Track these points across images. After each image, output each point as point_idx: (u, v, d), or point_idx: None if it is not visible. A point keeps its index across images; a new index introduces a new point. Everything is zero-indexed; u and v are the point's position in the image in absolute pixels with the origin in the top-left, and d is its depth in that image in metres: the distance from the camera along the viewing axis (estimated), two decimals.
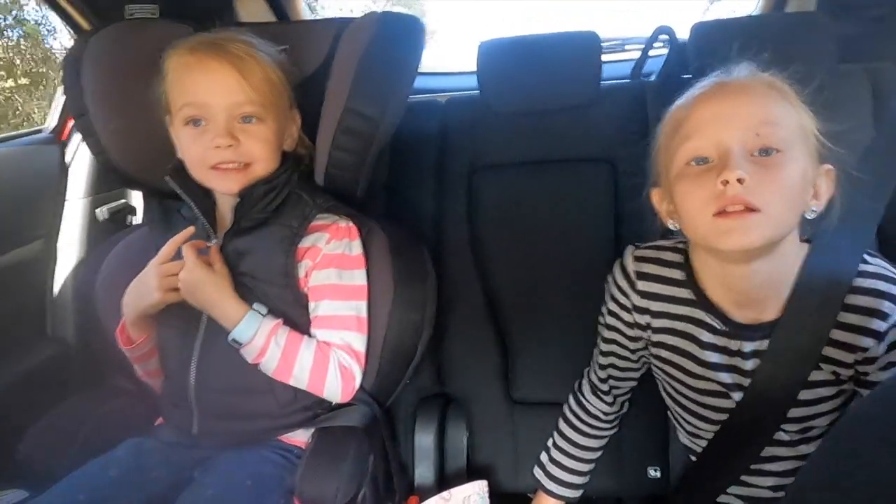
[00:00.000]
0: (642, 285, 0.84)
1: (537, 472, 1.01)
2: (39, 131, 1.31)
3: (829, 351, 0.73)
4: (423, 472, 1.09)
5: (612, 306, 0.89)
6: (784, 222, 0.68)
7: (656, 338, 0.85)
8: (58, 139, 1.29)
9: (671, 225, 0.78)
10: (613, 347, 0.91)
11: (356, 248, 0.91)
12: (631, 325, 0.87)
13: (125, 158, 1.01)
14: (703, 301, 0.79)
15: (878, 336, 0.70)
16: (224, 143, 0.84)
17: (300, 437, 0.91)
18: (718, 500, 0.86)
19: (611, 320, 0.90)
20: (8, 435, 0.97)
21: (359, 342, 0.89)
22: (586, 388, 0.99)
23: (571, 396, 1.01)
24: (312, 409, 0.91)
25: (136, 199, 1.40)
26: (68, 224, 1.28)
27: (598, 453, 1.00)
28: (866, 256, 0.74)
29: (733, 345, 0.77)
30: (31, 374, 1.15)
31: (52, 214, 1.26)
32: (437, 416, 1.12)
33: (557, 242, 1.18)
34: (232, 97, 0.84)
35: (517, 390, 1.16)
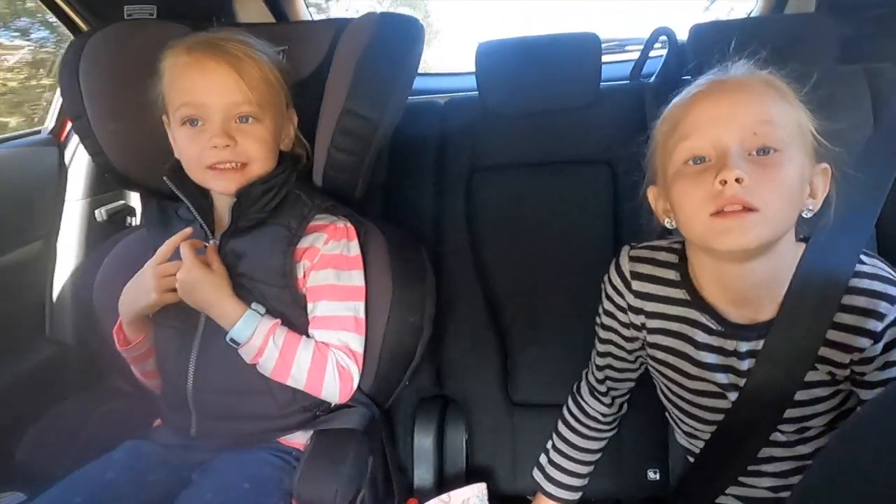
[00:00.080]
0: (637, 285, 0.84)
1: (536, 474, 1.01)
2: (38, 132, 1.31)
3: (825, 351, 0.73)
4: (423, 473, 1.09)
5: (608, 306, 0.88)
6: (782, 222, 0.68)
7: (651, 338, 0.84)
8: (56, 140, 1.29)
9: (667, 223, 0.78)
10: (610, 348, 0.91)
11: (354, 248, 0.91)
12: (627, 326, 0.87)
13: (123, 159, 1.01)
14: (697, 301, 0.78)
15: (874, 336, 0.70)
16: (221, 143, 0.84)
17: (299, 439, 0.91)
18: (717, 501, 0.86)
19: (607, 320, 0.89)
20: (6, 437, 0.97)
21: (357, 343, 0.89)
22: (585, 389, 0.99)
23: (570, 398, 1.01)
24: (311, 410, 0.91)
25: (135, 200, 1.40)
26: (67, 225, 1.28)
27: (598, 455, 1.00)
28: (863, 257, 0.74)
29: (729, 345, 0.77)
30: (30, 376, 1.15)
31: (50, 215, 1.26)
32: (437, 418, 1.12)
33: (557, 244, 1.18)
34: (229, 97, 0.84)
35: (516, 392, 1.15)
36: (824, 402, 0.76)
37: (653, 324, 0.83)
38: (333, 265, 0.88)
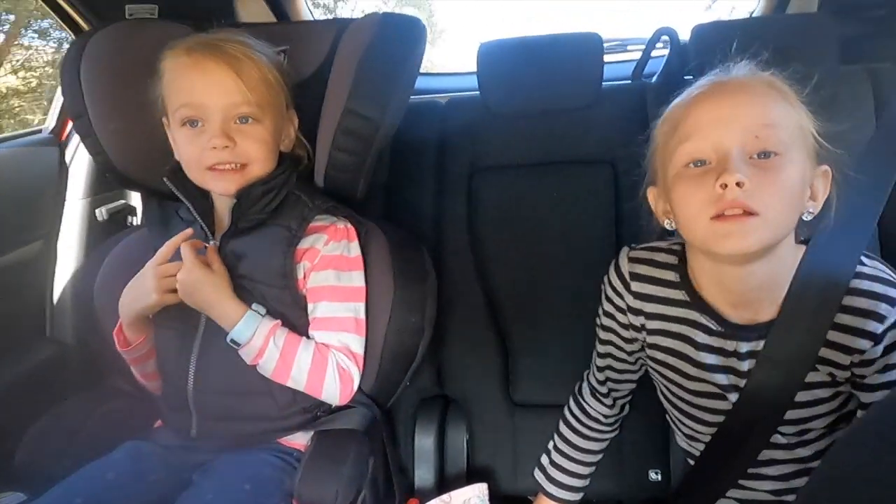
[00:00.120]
0: (636, 286, 0.84)
1: (538, 474, 1.01)
2: (38, 132, 1.31)
3: (825, 352, 0.72)
4: (423, 474, 1.09)
5: (608, 307, 0.88)
6: (782, 225, 0.68)
7: (651, 339, 0.84)
8: (57, 140, 1.29)
9: (667, 224, 0.77)
10: (610, 349, 0.91)
11: (354, 249, 0.91)
12: (626, 327, 0.87)
13: (124, 159, 1.00)
14: (697, 302, 0.78)
15: (874, 338, 0.69)
16: (220, 144, 0.83)
17: (299, 440, 0.91)
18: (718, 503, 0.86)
19: (606, 321, 0.89)
20: (6, 437, 0.97)
21: (357, 344, 0.89)
22: (586, 390, 0.99)
23: (572, 399, 1.01)
24: (312, 411, 0.90)
25: (136, 199, 1.39)
26: (68, 225, 1.28)
27: (599, 456, 1.00)
28: (863, 258, 0.74)
29: (729, 345, 0.77)
30: (30, 376, 1.15)
31: (51, 215, 1.26)
32: (437, 419, 1.12)
33: (558, 244, 1.18)
34: (228, 98, 0.84)
35: (517, 392, 1.15)
36: (825, 404, 0.76)
37: (652, 325, 0.83)
38: (334, 266, 0.88)
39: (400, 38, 0.92)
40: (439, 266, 1.14)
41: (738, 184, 0.64)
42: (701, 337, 0.78)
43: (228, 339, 0.83)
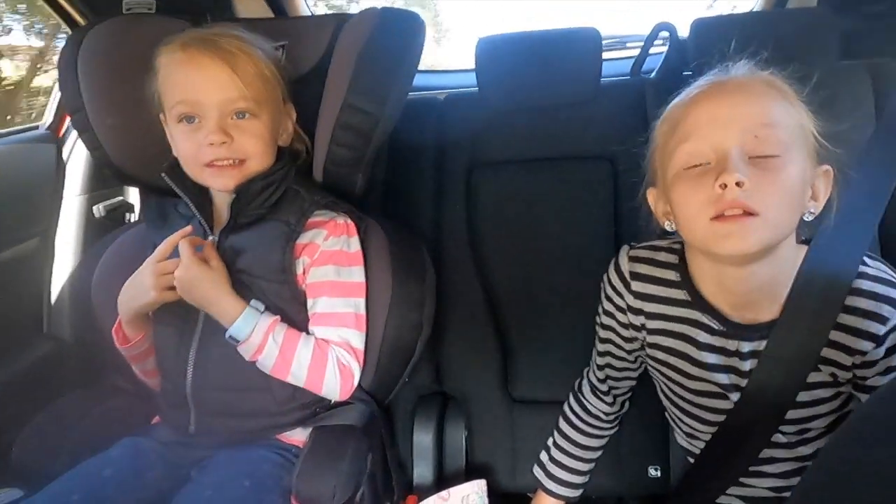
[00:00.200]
0: (636, 286, 0.83)
1: (537, 471, 1.01)
2: (35, 127, 1.30)
3: (827, 352, 0.72)
4: (422, 471, 1.09)
5: (608, 306, 0.88)
6: (783, 226, 0.68)
7: (651, 339, 0.84)
8: (54, 136, 1.29)
9: (667, 226, 0.77)
10: (609, 347, 0.91)
11: (354, 244, 0.91)
12: (626, 326, 0.87)
13: (122, 155, 1.00)
14: (698, 302, 0.78)
15: (876, 340, 0.69)
16: (217, 141, 0.83)
17: (298, 436, 0.91)
18: (718, 500, 0.85)
19: (606, 320, 0.89)
20: (3, 433, 0.96)
21: (357, 339, 0.88)
22: (586, 387, 0.98)
23: (571, 396, 1.00)
24: (310, 407, 0.90)
25: (134, 196, 1.39)
26: (65, 221, 1.28)
27: (599, 452, 1.00)
28: (866, 259, 0.73)
29: (731, 345, 0.77)
30: (27, 372, 1.15)
31: (48, 212, 1.25)
32: (436, 415, 1.12)
33: (557, 240, 1.17)
34: (224, 93, 0.83)
35: (516, 389, 1.15)
36: (826, 404, 0.75)
37: (653, 324, 0.83)
38: (334, 261, 0.88)
39: (399, 32, 0.91)
40: (438, 262, 1.14)
41: (737, 184, 0.63)
42: (702, 336, 0.78)
43: (227, 336, 0.82)
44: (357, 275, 0.90)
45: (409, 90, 0.96)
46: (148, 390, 0.97)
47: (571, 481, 0.98)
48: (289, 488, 0.82)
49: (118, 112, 0.97)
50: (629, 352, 0.89)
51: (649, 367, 0.89)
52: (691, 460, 0.90)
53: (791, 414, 0.75)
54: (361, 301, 0.90)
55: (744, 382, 0.76)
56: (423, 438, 1.09)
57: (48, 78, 1.63)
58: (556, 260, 1.17)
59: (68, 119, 1.27)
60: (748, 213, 0.64)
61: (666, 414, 0.93)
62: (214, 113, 0.83)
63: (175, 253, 0.86)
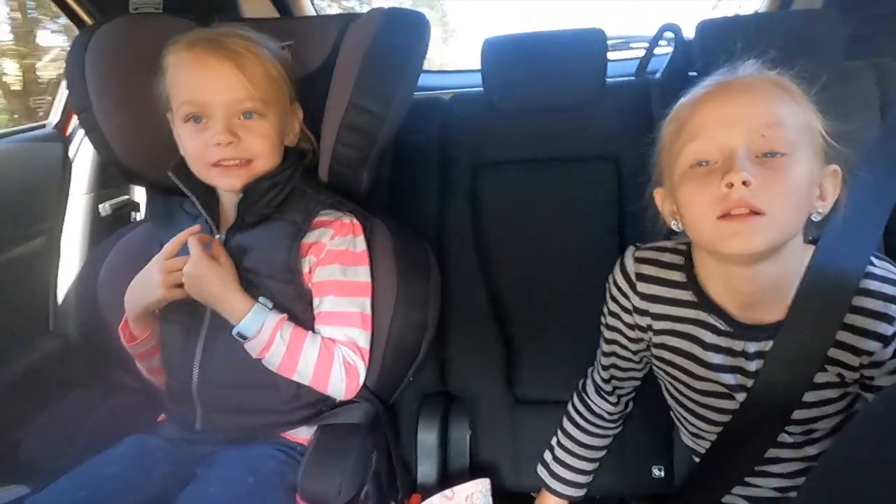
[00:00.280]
0: (642, 287, 0.83)
1: (541, 470, 1.01)
2: (42, 126, 1.31)
3: (834, 352, 0.72)
4: (426, 469, 1.09)
5: (613, 307, 0.88)
6: (789, 225, 0.67)
7: (658, 339, 0.84)
8: (61, 135, 1.29)
9: (674, 226, 0.77)
10: (615, 348, 0.91)
11: (360, 244, 0.91)
12: (632, 327, 0.87)
13: (129, 153, 1.00)
14: (705, 302, 0.78)
15: (884, 340, 0.69)
16: (224, 141, 0.83)
17: (303, 434, 0.91)
18: (723, 500, 0.85)
19: (611, 321, 0.89)
20: (10, 430, 0.97)
21: (363, 339, 0.88)
22: (590, 387, 0.98)
23: (576, 395, 1.01)
24: (316, 405, 0.90)
25: (139, 194, 1.40)
26: (71, 220, 1.28)
27: (603, 452, 1.00)
28: (873, 259, 0.73)
29: (737, 345, 0.76)
30: (34, 370, 1.15)
31: (55, 210, 1.26)
32: (440, 414, 1.12)
33: (561, 240, 1.18)
34: (231, 93, 0.84)
35: (520, 389, 1.15)
36: (832, 404, 0.75)
37: (659, 325, 0.83)
38: (339, 261, 0.88)
39: (404, 32, 0.92)
40: (442, 262, 1.14)
41: (744, 183, 0.63)
42: (709, 337, 0.78)
43: (235, 333, 0.82)
44: (363, 274, 0.90)
45: (415, 90, 0.96)
46: (154, 388, 0.98)
47: (575, 481, 0.98)
48: (293, 486, 0.83)
49: (125, 111, 0.97)
50: (634, 352, 0.89)
51: (655, 368, 0.89)
52: (696, 460, 0.90)
53: (797, 414, 0.75)
54: (367, 300, 0.90)
55: (750, 383, 0.76)
56: (427, 437, 1.10)
57: None
58: (561, 260, 1.17)
59: (75, 118, 1.27)
60: (754, 213, 0.64)
61: (671, 413, 0.93)
62: (221, 113, 0.83)
63: (183, 251, 0.86)
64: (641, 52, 1.40)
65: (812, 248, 0.74)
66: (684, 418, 0.88)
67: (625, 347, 0.89)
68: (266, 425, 0.90)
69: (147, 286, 0.87)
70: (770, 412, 0.76)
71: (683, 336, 0.81)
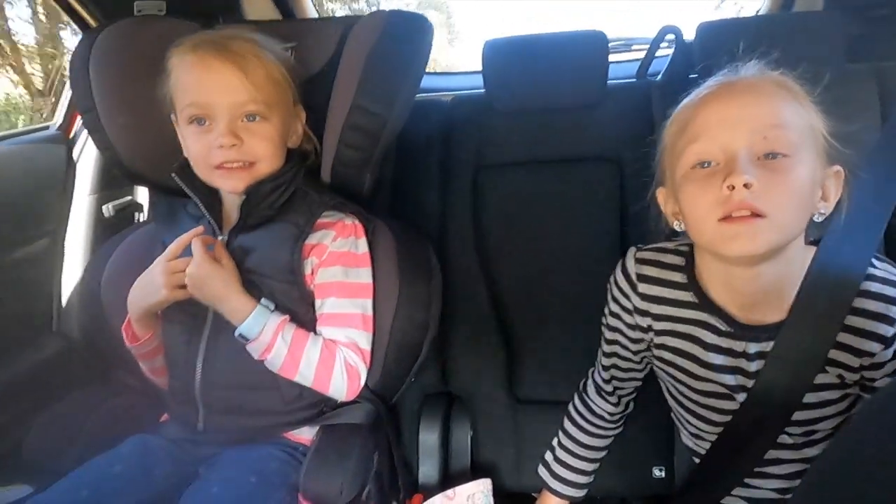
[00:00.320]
0: (643, 288, 0.83)
1: (542, 471, 1.01)
2: (46, 128, 1.31)
3: (835, 354, 0.72)
4: (428, 470, 1.09)
5: (614, 307, 0.88)
6: (791, 227, 0.67)
7: (658, 340, 0.84)
8: (65, 136, 1.30)
9: (676, 226, 0.77)
10: (615, 348, 0.91)
11: (362, 245, 0.91)
12: (632, 327, 0.87)
13: (132, 154, 1.01)
14: (705, 303, 0.78)
15: (884, 341, 0.69)
16: (228, 143, 0.84)
17: (305, 435, 0.91)
18: (722, 501, 0.85)
19: (612, 321, 0.89)
20: (13, 430, 0.98)
21: (364, 340, 0.89)
22: (591, 388, 0.99)
23: (576, 396, 1.01)
24: (318, 406, 0.91)
25: (143, 195, 1.41)
26: (75, 221, 1.29)
27: (603, 453, 1.00)
28: (874, 261, 0.73)
29: (738, 346, 0.77)
30: (37, 370, 1.16)
31: (59, 211, 1.27)
32: (442, 415, 1.12)
33: (562, 241, 1.18)
34: (235, 96, 0.84)
35: (521, 389, 1.16)
36: (832, 406, 0.75)
37: (660, 326, 0.83)
38: (342, 262, 0.89)
39: (407, 34, 0.92)
40: (444, 263, 1.14)
41: (745, 185, 0.63)
42: (709, 337, 0.78)
43: (237, 334, 0.83)
44: (365, 276, 0.91)
45: (417, 92, 0.97)
46: (156, 388, 0.98)
47: (576, 481, 0.99)
48: (296, 486, 0.83)
49: (129, 112, 0.98)
50: (635, 353, 0.89)
51: (655, 368, 0.89)
52: (696, 460, 0.90)
53: (797, 415, 0.75)
54: (369, 302, 0.90)
55: (750, 383, 0.76)
56: (428, 437, 1.10)
57: None
58: (562, 261, 1.17)
59: (79, 119, 1.28)
60: (756, 215, 0.64)
61: (672, 414, 0.93)
62: (225, 115, 0.84)
63: (185, 252, 0.87)
64: (642, 54, 1.40)
65: (813, 249, 0.74)
66: (685, 419, 0.88)
67: (625, 348, 0.90)
68: (268, 426, 0.90)
69: (150, 287, 0.88)
70: (770, 413, 0.76)
71: (684, 337, 0.81)
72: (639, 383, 0.96)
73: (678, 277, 0.81)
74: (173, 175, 0.90)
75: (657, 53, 1.37)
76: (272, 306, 0.85)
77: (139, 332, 0.91)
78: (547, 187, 1.20)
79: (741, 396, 0.78)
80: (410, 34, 0.93)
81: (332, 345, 0.87)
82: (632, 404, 0.99)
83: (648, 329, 0.84)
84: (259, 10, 1.36)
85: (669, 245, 0.84)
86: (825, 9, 1.28)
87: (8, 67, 1.92)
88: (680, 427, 0.93)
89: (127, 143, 1.00)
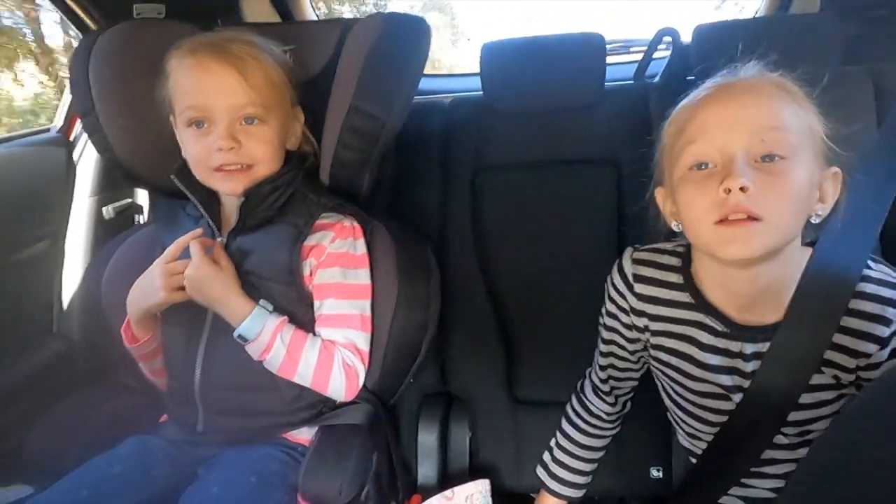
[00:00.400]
0: (639, 288, 0.84)
1: (540, 471, 1.02)
2: (47, 130, 1.32)
3: (831, 355, 0.72)
4: (427, 470, 1.09)
5: (611, 308, 0.89)
6: (787, 230, 0.68)
7: (655, 340, 0.84)
8: (65, 139, 1.30)
9: (674, 226, 0.77)
10: (612, 348, 0.91)
11: (360, 247, 0.92)
12: (629, 327, 0.87)
13: (131, 156, 1.01)
14: (702, 304, 0.78)
15: (880, 342, 0.69)
16: (226, 146, 0.84)
17: (304, 435, 0.92)
18: (719, 501, 0.86)
19: (609, 321, 0.90)
20: (13, 430, 0.98)
21: (363, 341, 0.89)
22: (588, 388, 0.99)
23: (574, 396, 1.01)
24: (317, 406, 0.91)
25: (142, 197, 1.41)
26: (75, 222, 1.29)
27: (601, 453, 1.00)
28: (870, 262, 0.73)
29: (734, 346, 0.77)
30: (37, 371, 1.16)
31: (59, 213, 1.27)
32: (441, 415, 1.13)
33: (561, 243, 1.18)
34: (233, 99, 0.84)
35: (520, 390, 1.16)
36: (828, 406, 0.76)
37: (656, 326, 0.83)
38: (340, 264, 0.89)
39: (404, 37, 0.92)
40: (443, 264, 1.15)
41: (741, 188, 0.63)
42: (706, 338, 0.78)
43: (236, 335, 0.83)
44: (363, 277, 0.91)
45: (415, 93, 0.97)
46: (155, 389, 0.99)
47: (574, 481, 0.99)
48: (295, 486, 0.84)
49: (128, 114, 0.98)
50: (632, 352, 0.90)
51: (652, 368, 0.90)
52: (693, 461, 0.91)
53: (793, 415, 0.76)
54: (367, 303, 0.91)
55: (746, 384, 0.77)
56: (427, 438, 1.10)
57: None
58: (560, 262, 1.18)
59: (78, 122, 1.28)
60: (752, 218, 0.64)
61: (668, 414, 0.94)
62: (223, 118, 0.84)
63: (185, 254, 0.87)
64: (639, 56, 1.40)
65: (810, 250, 0.75)
66: (681, 419, 0.88)
67: (622, 348, 0.90)
68: (267, 427, 0.90)
69: (149, 289, 0.88)
70: (766, 413, 0.76)
71: (680, 337, 0.81)
72: (636, 383, 0.96)
73: (674, 278, 0.81)
74: (172, 177, 0.90)
75: (654, 55, 1.37)
76: (271, 307, 0.86)
77: (138, 333, 0.92)
78: (545, 188, 1.21)
79: (737, 397, 0.78)
80: (408, 36, 0.93)
81: (331, 345, 0.87)
82: (629, 404, 1.00)
83: (645, 329, 0.85)
84: (258, 12, 1.37)
85: (666, 246, 0.85)
86: (822, 10, 1.28)
87: (38, 68, 1.93)
88: (676, 428, 0.93)
89: (126, 145, 1.00)
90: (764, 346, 0.75)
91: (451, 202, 1.23)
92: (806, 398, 0.75)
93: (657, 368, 0.87)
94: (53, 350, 1.21)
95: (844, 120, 0.69)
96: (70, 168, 1.29)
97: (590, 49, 1.19)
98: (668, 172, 0.75)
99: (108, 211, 1.31)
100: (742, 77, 0.71)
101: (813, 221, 0.70)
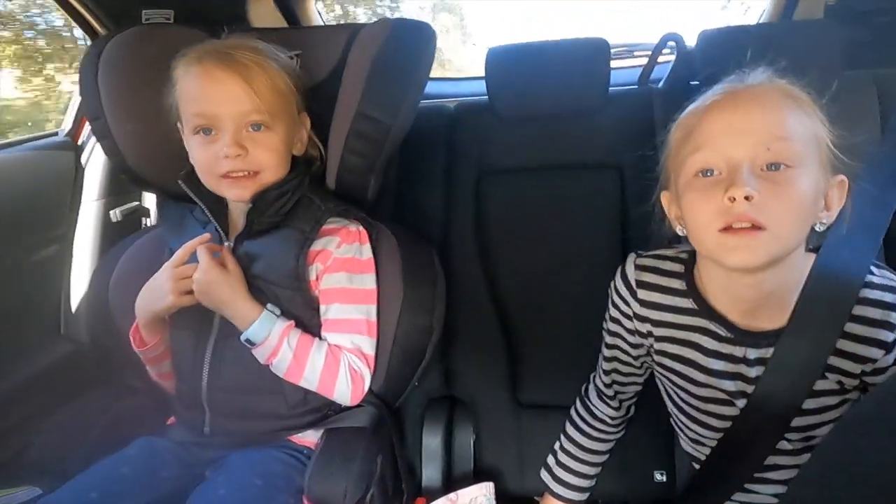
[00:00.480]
0: (643, 294, 0.84)
1: (544, 474, 1.02)
2: (55, 134, 1.33)
3: (835, 360, 0.72)
4: (431, 473, 1.09)
5: (614, 313, 0.89)
6: (791, 238, 0.68)
7: (658, 346, 0.84)
8: (73, 142, 1.31)
9: (679, 231, 0.77)
10: (616, 353, 0.91)
11: (366, 251, 0.92)
12: (632, 332, 0.87)
13: (140, 161, 1.02)
14: (705, 310, 0.78)
15: (886, 347, 0.70)
16: (233, 153, 0.84)
17: (310, 438, 0.92)
18: None
19: (613, 326, 0.90)
20: (22, 432, 0.99)
21: (368, 346, 0.90)
22: (592, 392, 0.99)
23: (578, 400, 1.01)
24: (322, 410, 0.92)
25: (150, 201, 1.42)
26: (82, 225, 1.30)
27: (605, 457, 1.00)
28: (873, 268, 0.73)
29: (738, 352, 0.77)
30: (45, 373, 1.17)
31: (67, 217, 1.28)
32: (445, 419, 1.13)
33: (565, 247, 1.18)
34: (239, 106, 0.85)
35: (524, 393, 1.16)
36: (832, 411, 0.76)
37: (659, 332, 0.83)
38: (346, 268, 0.89)
39: (410, 42, 0.93)
40: (448, 268, 1.15)
41: (746, 197, 0.63)
42: (710, 343, 0.78)
43: (243, 339, 0.84)
44: (369, 282, 0.91)
45: (421, 98, 0.98)
46: (163, 392, 0.99)
47: (578, 485, 0.99)
48: (300, 488, 0.84)
49: (137, 119, 0.99)
50: (635, 357, 0.90)
51: (656, 373, 0.90)
52: (696, 466, 0.91)
53: (797, 421, 0.76)
54: (373, 307, 0.91)
55: (750, 389, 0.77)
56: (431, 441, 1.10)
57: None
58: (564, 266, 1.18)
59: (87, 126, 1.29)
60: (756, 227, 0.64)
61: (671, 420, 0.94)
62: (230, 125, 0.85)
63: (192, 258, 0.88)
64: (643, 60, 1.40)
65: (813, 256, 0.75)
66: (685, 425, 0.88)
67: (626, 353, 0.90)
68: (273, 429, 0.91)
69: (157, 293, 0.89)
70: (770, 419, 0.76)
71: (684, 343, 0.81)
72: (639, 387, 0.96)
73: (677, 284, 0.81)
74: (180, 182, 0.91)
75: (659, 60, 1.37)
76: (278, 311, 0.86)
77: (147, 336, 0.92)
78: (549, 193, 1.21)
79: (741, 402, 0.78)
80: (414, 41, 0.94)
81: (337, 350, 0.88)
82: (633, 409, 1.00)
83: (648, 335, 0.85)
84: (265, 17, 1.38)
85: (669, 252, 0.85)
86: (826, 16, 1.28)
87: (70, 70, 1.96)
88: (679, 433, 0.93)
89: (135, 150, 1.01)
90: (767, 352, 0.75)
91: (455, 206, 1.24)
92: (810, 404, 0.75)
93: (661, 374, 0.88)
94: (61, 352, 1.22)
95: (848, 126, 0.69)
96: (78, 171, 1.30)
97: (594, 54, 1.19)
98: (674, 177, 0.76)
99: (115, 214, 1.32)
100: (749, 84, 0.71)
101: (817, 229, 0.70)
